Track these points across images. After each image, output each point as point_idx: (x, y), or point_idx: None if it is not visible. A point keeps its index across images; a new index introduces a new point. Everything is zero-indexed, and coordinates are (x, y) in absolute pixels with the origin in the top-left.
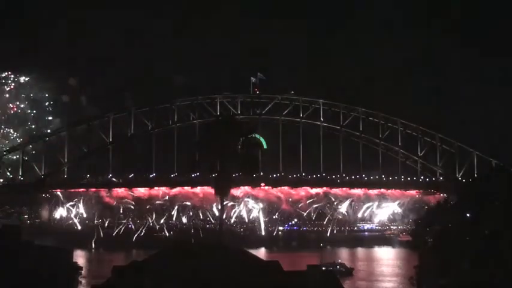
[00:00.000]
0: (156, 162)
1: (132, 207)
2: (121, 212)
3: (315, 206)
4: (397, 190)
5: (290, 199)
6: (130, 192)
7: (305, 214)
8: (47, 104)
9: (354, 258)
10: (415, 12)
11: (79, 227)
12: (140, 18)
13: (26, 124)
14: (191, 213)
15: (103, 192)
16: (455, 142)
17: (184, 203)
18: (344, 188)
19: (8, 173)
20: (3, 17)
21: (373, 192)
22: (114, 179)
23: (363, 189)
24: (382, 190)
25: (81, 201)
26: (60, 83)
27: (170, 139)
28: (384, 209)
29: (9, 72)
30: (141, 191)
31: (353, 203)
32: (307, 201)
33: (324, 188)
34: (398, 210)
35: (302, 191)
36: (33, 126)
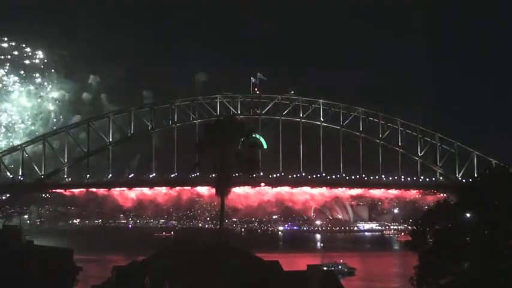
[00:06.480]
0: (156, 162)
1: (133, 207)
2: (121, 212)
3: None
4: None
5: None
6: (130, 193)
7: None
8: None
9: (355, 259)
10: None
11: (79, 227)
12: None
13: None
14: (190, 213)
15: (103, 192)
16: (455, 142)
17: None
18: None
19: (8, 173)
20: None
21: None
22: (114, 179)
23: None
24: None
25: (81, 201)
26: (81, 81)
27: (170, 139)
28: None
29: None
30: (141, 191)
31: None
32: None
33: (324, 188)
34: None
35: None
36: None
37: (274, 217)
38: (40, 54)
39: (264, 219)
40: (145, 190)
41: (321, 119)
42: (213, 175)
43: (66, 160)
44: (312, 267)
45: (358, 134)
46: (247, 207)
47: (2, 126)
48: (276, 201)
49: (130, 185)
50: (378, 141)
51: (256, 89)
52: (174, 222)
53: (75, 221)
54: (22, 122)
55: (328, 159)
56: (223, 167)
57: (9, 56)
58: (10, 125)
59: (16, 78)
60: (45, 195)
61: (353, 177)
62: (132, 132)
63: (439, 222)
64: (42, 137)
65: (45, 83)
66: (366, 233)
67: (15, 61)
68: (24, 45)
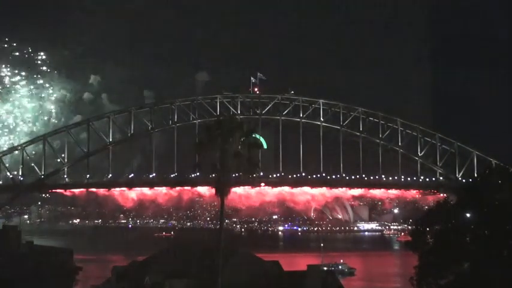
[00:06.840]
0: (156, 162)
1: (133, 207)
2: (121, 212)
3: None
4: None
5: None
6: (130, 193)
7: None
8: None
9: (355, 259)
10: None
11: (79, 227)
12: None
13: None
14: (191, 214)
15: (103, 192)
16: (455, 142)
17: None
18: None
19: (8, 173)
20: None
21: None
22: (114, 179)
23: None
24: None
25: (81, 201)
26: (81, 82)
27: (170, 139)
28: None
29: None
30: (142, 192)
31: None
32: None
33: (324, 188)
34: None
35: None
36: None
37: (274, 217)
38: (42, 54)
39: (264, 219)
40: (146, 190)
41: (321, 119)
42: (213, 175)
43: (66, 160)
44: (312, 267)
45: (358, 134)
46: (248, 208)
47: (4, 127)
48: (278, 202)
49: (131, 185)
50: (378, 141)
51: (256, 89)
52: (174, 222)
53: (75, 221)
54: (23, 123)
55: (328, 159)
56: (223, 167)
57: (10, 57)
58: (11, 126)
59: (18, 78)
60: (45, 195)
61: (353, 177)
62: (132, 132)
63: (439, 222)
64: (42, 137)
65: (47, 84)
66: (366, 233)
67: (17, 62)
68: (25, 46)
